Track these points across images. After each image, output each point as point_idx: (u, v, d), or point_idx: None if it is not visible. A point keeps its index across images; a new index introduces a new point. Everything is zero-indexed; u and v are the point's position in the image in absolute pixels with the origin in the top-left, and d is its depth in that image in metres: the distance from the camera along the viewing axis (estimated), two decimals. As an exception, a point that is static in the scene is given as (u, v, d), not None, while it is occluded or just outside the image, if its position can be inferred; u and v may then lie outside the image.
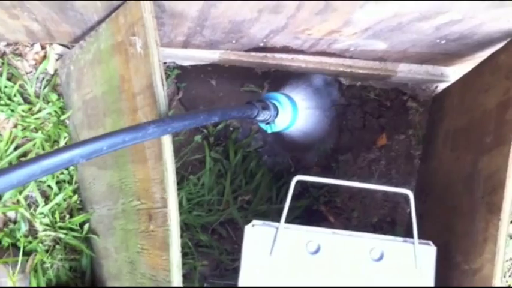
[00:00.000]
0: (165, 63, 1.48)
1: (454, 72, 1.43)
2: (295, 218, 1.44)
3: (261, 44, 1.28)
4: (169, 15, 1.06)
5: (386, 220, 1.53)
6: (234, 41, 1.25)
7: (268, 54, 1.38)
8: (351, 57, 1.37)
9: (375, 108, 1.56)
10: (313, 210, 1.52)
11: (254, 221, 1.04)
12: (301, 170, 1.50)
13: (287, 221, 1.01)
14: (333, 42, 1.24)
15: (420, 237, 1.04)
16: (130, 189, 1.05)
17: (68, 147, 0.66)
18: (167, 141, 0.90)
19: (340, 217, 1.53)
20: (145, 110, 0.95)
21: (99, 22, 1.09)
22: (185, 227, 1.39)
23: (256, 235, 1.01)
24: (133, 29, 0.95)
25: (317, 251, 1.02)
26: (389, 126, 1.55)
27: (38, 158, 0.63)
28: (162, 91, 0.91)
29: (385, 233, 1.09)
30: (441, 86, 1.50)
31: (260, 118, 1.19)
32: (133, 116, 1.00)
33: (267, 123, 1.26)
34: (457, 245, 1.15)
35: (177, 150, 1.44)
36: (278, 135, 1.45)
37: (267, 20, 1.08)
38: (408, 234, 1.05)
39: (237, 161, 1.46)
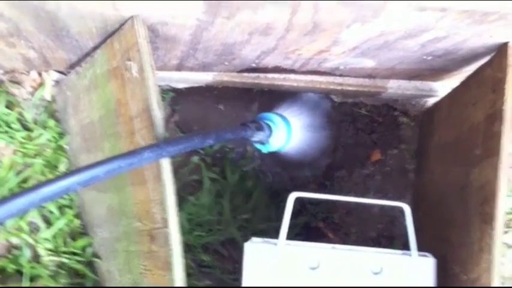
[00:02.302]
0: (159, 86, 1.51)
1: (443, 87, 1.46)
2: (295, 235, 1.46)
3: (253, 65, 1.31)
4: (163, 40, 1.09)
5: (384, 234, 1.54)
6: (226, 63, 1.28)
7: (261, 75, 1.41)
8: (341, 75, 1.40)
9: (367, 124, 1.59)
10: (312, 227, 1.54)
11: (253, 238, 1.06)
12: (298, 188, 1.52)
13: (287, 239, 1.03)
14: (322, 61, 1.27)
15: (418, 249, 1.06)
16: (130, 211, 1.07)
17: (64, 175, 0.68)
18: (165, 161, 0.92)
19: (339, 233, 1.54)
20: (142, 133, 0.98)
21: (95, 48, 1.12)
22: (187, 248, 1.40)
23: (255, 252, 1.03)
24: (129, 54, 0.98)
25: (317, 266, 1.04)
26: (382, 141, 1.58)
27: (36, 186, 0.64)
28: (158, 114, 0.93)
29: (383, 247, 1.11)
30: (431, 101, 1.53)
31: (255, 139, 1.22)
32: (130, 139, 1.02)
33: (262, 144, 1.28)
34: (454, 256, 1.17)
35: (175, 172, 1.42)
36: (274, 154, 1.47)
37: (258, 42, 1.11)
38: (406, 247, 1.07)
39: (234, 180, 1.48)
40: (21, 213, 0.66)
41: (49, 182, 0.66)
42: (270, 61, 1.28)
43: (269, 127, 1.26)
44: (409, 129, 1.58)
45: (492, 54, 1.11)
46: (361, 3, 0.89)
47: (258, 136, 1.21)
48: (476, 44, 1.10)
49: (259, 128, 1.22)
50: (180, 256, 0.90)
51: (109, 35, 1.05)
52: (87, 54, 1.17)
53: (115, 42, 1.03)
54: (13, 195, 0.60)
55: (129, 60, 0.98)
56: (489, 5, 0.89)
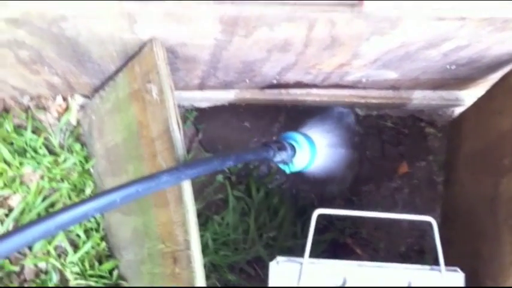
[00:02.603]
0: (183, 106, 1.51)
1: (469, 96, 1.43)
2: (322, 252, 1.44)
3: (274, 81, 1.30)
4: (183, 61, 1.09)
5: (414, 249, 1.51)
6: (247, 80, 1.28)
7: (283, 91, 1.40)
8: (364, 88, 1.39)
9: (393, 137, 1.56)
10: (340, 243, 1.52)
11: (278, 258, 1.05)
12: (324, 203, 1.50)
13: (313, 256, 1.01)
14: (344, 75, 1.26)
15: (448, 264, 1.03)
16: (154, 233, 1.07)
17: (81, 201, 0.68)
18: (186, 183, 0.92)
19: (367, 248, 1.52)
20: (164, 155, 0.98)
21: (117, 72, 1.13)
22: (212, 268, 1.39)
23: (281, 271, 1.02)
24: (149, 77, 0.99)
25: (343, 284, 1.02)
26: (409, 153, 1.55)
27: (53, 214, 0.64)
28: (178, 135, 0.93)
29: (413, 262, 1.08)
30: (457, 111, 1.50)
31: (277, 159, 1.19)
32: (152, 161, 1.02)
33: (285, 164, 1.26)
34: (485, 270, 1.13)
35: (200, 191, 1.46)
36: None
37: (277, 59, 1.11)
38: (437, 262, 1.04)
39: (259, 198, 1.47)
40: (38, 241, 0.65)
41: (66, 209, 0.66)
42: (291, 77, 1.27)
43: (292, 147, 1.23)
44: (436, 140, 1.55)
45: (517, 61, 1.09)
46: (378, 16, 0.88)
47: (280, 156, 1.18)
48: (501, 51, 1.08)
49: (282, 148, 1.19)
50: (202, 278, 0.90)
51: (130, 58, 1.06)
52: (110, 78, 1.18)
53: (135, 65, 1.04)
54: (29, 223, 0.60)
55: (149, 82, 0.99)
56: (509, 12, 0.87)
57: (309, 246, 1.00)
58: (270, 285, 1.00)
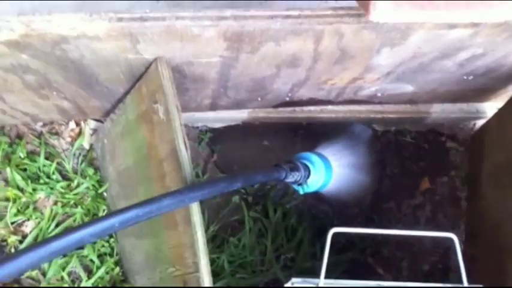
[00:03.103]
0: (197, 127, 1.50)
1: (490, 108, 1.39)
2: (342, 272, 1.40)
3: (287, 99, 1.28)
4: (191, 80, 1.08)
5: (438, 267, 1.45)
6: (259, 99, 1.26)
7: (297, 108, 1.38)
8: (380, 103, 1.35)
9: (413, 152, 1.52)
10: (361, 262, 1.47)
11: (293, 279, 1.01)
12: (344, 222, 1.46)
13: (333, 277, 0.97)
14: (358, 90, 1.23)
15: (473, 282, 0.98)
16: (165, 256, 1.04)
17: (77, 227, 0.65)
18: (194, 204, 0.89)
19: (389, 268, 1.46)
20: (172, 176, 0.95)
21: (126, 94, 1.12)
22: (230, 291, 1.36)
23: (296, 293, 0.98)
24: (155, 97, 0.97)
25: (361, 304, 0.98)
26: (430, 169, 1.51)
27: (46, 240, 0.61)
28: (185, 155, 0.91)
29: (438, 281, 1.03)
30: (479, 123, 1.45)
31: (290, 180, 1.13)
32: (161, 182, 1.00)
33: (299, 184, 1.22)
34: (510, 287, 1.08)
35: (216, 212, 1.43)
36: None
37: (287, 75, 1.08)
38: (462, 280, 0.99)
39: (277, 218, 1.44)
40: (31, 268, 0.63)
41: (60, 235, 0.63)
42: (303, 93, 1.25)
43: (306, 167, 1.19)
44: (458, 155, 1.50)
45: (537, 69, 1.05)
46: (387, 26, 0.85)
47: (293, 177, 1.12)
48: (519, 59, 1.04)
49: (294, 169, 1.12)
50: (211, 301, 0.87)
51: (137, 80, 1.05)
52: (120, 101, 1.17)
53: (143, 86, 1.03)
54: (22, 249, 0.58)
55: (156, 102, 0.97)
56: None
57: (325, 266, 0.96)
58: (285, 308, 0.97)
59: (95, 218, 0.68)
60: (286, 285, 0.99)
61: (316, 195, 1.47)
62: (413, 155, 1.52)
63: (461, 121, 1.47)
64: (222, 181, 0.85)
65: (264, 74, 1.07)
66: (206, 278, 0.87)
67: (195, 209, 0.88)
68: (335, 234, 0.96)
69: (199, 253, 0.87)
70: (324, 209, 1.49)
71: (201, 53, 0.93)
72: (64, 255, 1.31)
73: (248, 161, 1.49)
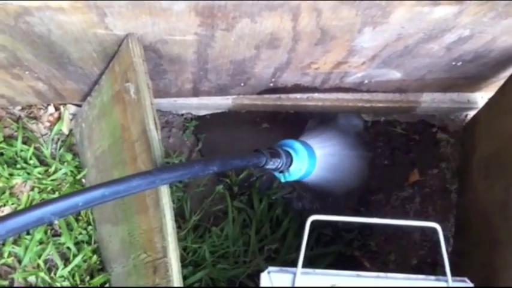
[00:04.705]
0: (182, 115, 1.46)
1: (482, 98, 1.35)
2: (328, 265, 1.35)
3: (271, 85, 1.24)
4: (168, 61, 1.04)
5: (426, 261, 1.41)
6: (242, 84, 1.22)
7: (282, 96, 1.34)
8: (368, 91, 1.31)
9: (403, 143, 1.48)
10: (347, 256, 1.43)
11: (270, 268, 0.98)
12: (330, 214, 1.42)
13: (316, 269, 0.94)
14: (344, 76, 1.19)
15: (460, 275, 0.95)
16: (137, 242, 1.00)
17: (38, 204, 0.61)
18: (164, 187, 0.85)
19: (376, 261, 1.42)
20: (143, 157, 0.92)
21: (100, 74, 1.08)
22: (211, 282, 1.32)
23: (272, 282, 0.94)
24: (127, 76, 0.94)
25: (339, 295, 0.94)
26: (420, 160, 1.46)
27: (2, 218, 0.58)
28: (155, 135, 0.87)
29: (425, 275, 1.00)
30: (471, 114, 1.41)
31: (270, 167, 1.07)
32: (134, 165, 0.97)
33: (280, 172, 1.17)
34: (498, 280, 1.04)
35: (199, 202, 1.39)
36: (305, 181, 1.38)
37: (268, 57, 1.04)
38: (451, 274, 0.95)
39: (262, 209, 1.40)
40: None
41: (18, 212, 0.60)
42: (287, 79, 1.21)
43: (289, 154, 1.15)
44: (449, 146, 1.46)
45: (527, 54, 1.01)
46: (366, 2, 0.81)
47: (273, 164, 1.07)
48: (509, 43, 0.99)
49: (275, 155, 1.08)
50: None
51: (110, 59, 1.01)
52: (96, 82, 1.13)
53: (115, 65, 0.99)
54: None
55: (127, 81, 0.94)
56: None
57: (302, 254, 0.92)
58: (260, 297, 0.93)
59: (57, 196, 0.64)
60: (262, 274, 0.95)
61: (304, 187, 1.43)
62: (403, 146, 1.48)
63: (453, 112, 1.43)
64: (197, 164, 0.81)
65: (243, 55, 1.03)
66: (174, 264, 0.83)
67: (164, 191, 0.85)
68: (322, 227, 0.93)
69: (168, 237, 0.83)
70: (311, 201, 1.45)
71: (174, 29, 0.89)
72: (40, 243, 1.27)
73: (234, 150, 1.45)
